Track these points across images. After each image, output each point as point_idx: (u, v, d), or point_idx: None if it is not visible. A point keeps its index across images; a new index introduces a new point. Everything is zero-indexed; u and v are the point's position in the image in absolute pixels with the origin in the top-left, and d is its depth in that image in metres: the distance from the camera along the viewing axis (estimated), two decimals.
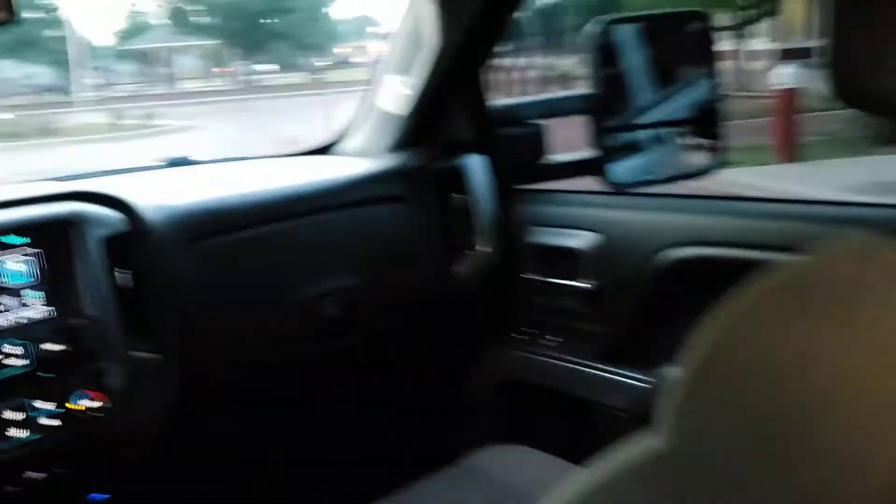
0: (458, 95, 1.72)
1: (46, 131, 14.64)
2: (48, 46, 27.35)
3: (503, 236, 1.69)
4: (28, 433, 1.19)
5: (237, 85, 25.33)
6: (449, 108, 1.74)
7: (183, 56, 29.69)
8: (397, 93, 1.72)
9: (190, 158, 1.83)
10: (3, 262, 1.22)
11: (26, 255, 1.24)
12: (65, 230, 1.27)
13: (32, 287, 1.24)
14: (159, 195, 1.44)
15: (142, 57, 29.71)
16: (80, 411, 1.23)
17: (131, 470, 1.35)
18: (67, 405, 1.22)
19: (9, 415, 1.18)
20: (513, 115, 1.79)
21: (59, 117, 15.86)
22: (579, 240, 1.62)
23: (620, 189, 1.61)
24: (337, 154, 1.89)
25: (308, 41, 29.74)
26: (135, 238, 1.33)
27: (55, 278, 1.26)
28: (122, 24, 32.11)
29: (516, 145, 1.78)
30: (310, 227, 1.54)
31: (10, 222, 1.24)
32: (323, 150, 1.94)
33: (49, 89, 25.63)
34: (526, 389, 1.73)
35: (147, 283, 1.32)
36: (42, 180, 1.59)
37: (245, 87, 24.65)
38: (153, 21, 31.07)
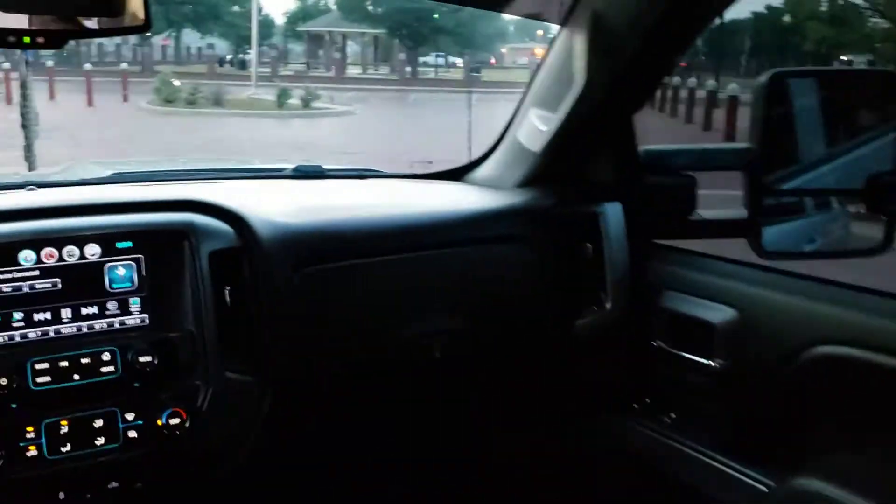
0: (604, 137, 1.59)
1: (217, 101, 15.43)
2: (232, 21, 28.94)
3: (634, 295, 1.55)
4: (111, 442, 1.17)
5: (398, 76, 25.86)
6: (591, 149, 1.61)
7: (351, 42, 30.63)
8: (536, 127, 1.61)
9: (321, 168, 1.79)
10: (114, 267, 1.21)
11: (131, 259, 1.22)
12: (175, 240, 1.25)
13: (132, 293, 1.22)
14: (277, 210, 1.39)
15: (313, 39, 30.87)
16: (165, 427, 1.20)
17: (208, 487, 1.31)
18: (154, 420, 1.19)
19: (96, 422, 1.16)
20: (661, 162, 1.64)
21: (230, 89, 16.68)
22: (716, 313, 1.45)
23: (772, 258, 1.43)
24: (467, 181, 1.80)
25: (474, 39, 29.96)
26: (244, 255, 1.29)
27: (155, 287, 1.24)
28: (298, 4, 33.44)
29: (661, 196, 1.62)
30: (426, 262, 1.46)
31: (119, 226, 1.22)
32: (455, 174, 1.86)
33: (225, 62, 27.11)
34: (633, 465, 1.58)
35: (250, 303, 1.28)
36: (163, 179, 1.58)
37: (405, 78, 25.13)
38: (328, 4, 32.24)
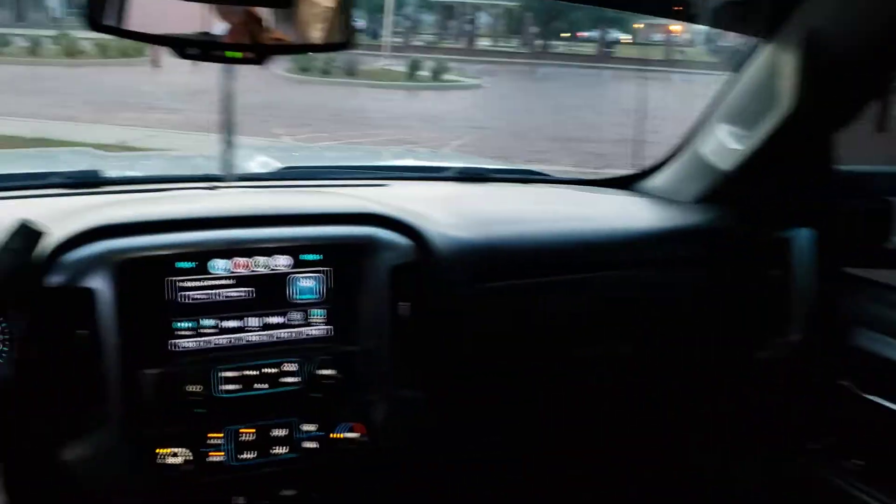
0: (801, 157, 1.48)
1: (350, 71, 15.68)
2: None
3: (822, 330, 1.44)
4: (290, 452, 1.18)
5: (528, 49, 25.54)
6: (785, 170, 1.50)
7: (482, 13, 30.44)
8: (725, 144, 1.51)
9: (483, 170, 1.75)
10: (300, 279, 1.21)
11: (318, 271, 1.22)
12: (359, 253, 1.24)
13: (316, 305, 1.23)
14: (450, 223, 1.36)
15: (444, 9, 30.88)
16: (340, 440, 1.20)
17: (379, 495, 1.31)
18: (331, 433, 1.20)
19: (276, 431, 1.18)
20: (859, 185, 1.52)
21: (363, 59, 16.93)
22: None
23: None
24: (639, 191, 1.72)
25: (606, 13, 29.16)
26: (423, 270, 1.27)
27: (338, 300, 1.23)
28: None
29: (856, 221, 1.50)
30: (599, 283, 1.40)
31: (307, 238, 1.23)
32: (624, 182, 1.78)
33: (360, 31, 27.45)
34: None
35: (426, 319, 1.26)
36: (330, 177, 1.58)
37: (536, 52, 24.79)
38: None
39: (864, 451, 1.43)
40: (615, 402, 1.47)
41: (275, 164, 1.71)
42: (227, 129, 1.54)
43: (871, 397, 1.39)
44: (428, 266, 1.27)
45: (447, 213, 1.42)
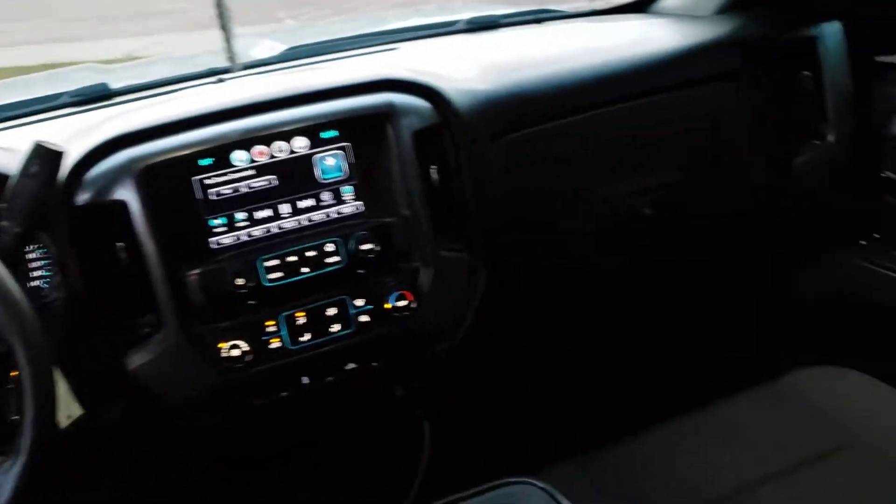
0: None
1: None
2: None
3: (858, 124, 1.40)
4: (345, 328, 1.21)
5: None
6: None
7: None
8: None
9: (494, 17, 1.68)
10: (323, 158, 1.21)
11: (338, 148, 1.21)
12: (377, 123, 1.22)
13: (344, 182, 1.22)
14: (467, 77, 1.33)
15: None
16: (394, 309, 1.22)
17: (437, 363, 1.35)
18: (382, 304, 1.22)
19: (329, 311, 1.20)
20: None
21: None
22: None
23: None
24: (655, 13, 1.65)
25: None
26: (445, 131, 1.25)
27: (365, 173, 1.23)
28: None
29: (884, 4, 1.43)
30: (626, 114, 1.37)
31: (323, 115, 1.20)
32: (639, 5, 1.71)
33: None
34: (863, 305, 1.49)
35: (455, 180, 1.25)
36: (337, 50, 1.53)
37: None
38: None
39: None
40: (663, 238, 1.45)
41: (280, 48, 1.67)
42: (224, 18, 1.50)
43: None
44: (450, 126, 1.25)
45: (462, 67, 1.38)
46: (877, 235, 1.47)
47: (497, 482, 1.02)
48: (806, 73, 1.40)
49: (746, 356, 1.64)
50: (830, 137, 1.40)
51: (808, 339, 1.60)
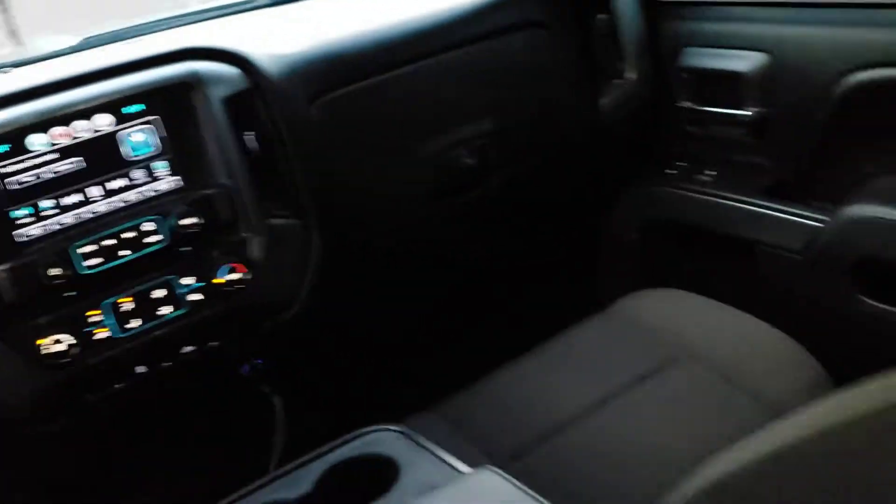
0: None
1: None
2: None
3: (652, 60, 1.50)
4: (176, 309, 1.16)
5: None
6: None
7: None
8: None
9: None
10: (129, 135, 1.15)
11: (145, 122, 1.16)
12: (183, 93, 1.17)
13: (157, 157, 1.17)
14: (276, 43, 1.31)
15: None
16: (224, 284, 1.18)
17: (279, 336, 1.32)
18: (212, 280, 1.18)
19: (156, 293, 1.15)
20: None
21: None
22: (743, 61, 1.40)
23: None
24: None
25: None
26: (257, 96, 1.22)
27: (178, 146, 1.18)
28: None
29: None
30: (440, 68, 1.39)
31: (125, 89, 1.14)
32: None
33: None
34: (679, 229, 1.59)
35: (276, 145, 1.23)
36: (134, 35, 1.47)
37: None
38: None
39: (715, 162, 1.53)
40: (485, 187, 1.49)
41: (74, 40, 1.57)
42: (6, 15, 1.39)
43: (708, 108, 1.48)
44: (262, 91, 1.22)
45: (270, 36, 1.36)
46: (682, 163, 1.57)
47: (355, 433, 1.02)
48: (601, 16, 1.48)
49: (581, 289, 1.72)
50: (629, 75, 1.49)
51: (635, 266, 1.70)
